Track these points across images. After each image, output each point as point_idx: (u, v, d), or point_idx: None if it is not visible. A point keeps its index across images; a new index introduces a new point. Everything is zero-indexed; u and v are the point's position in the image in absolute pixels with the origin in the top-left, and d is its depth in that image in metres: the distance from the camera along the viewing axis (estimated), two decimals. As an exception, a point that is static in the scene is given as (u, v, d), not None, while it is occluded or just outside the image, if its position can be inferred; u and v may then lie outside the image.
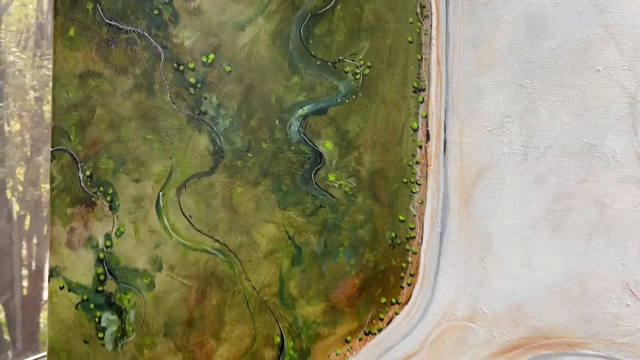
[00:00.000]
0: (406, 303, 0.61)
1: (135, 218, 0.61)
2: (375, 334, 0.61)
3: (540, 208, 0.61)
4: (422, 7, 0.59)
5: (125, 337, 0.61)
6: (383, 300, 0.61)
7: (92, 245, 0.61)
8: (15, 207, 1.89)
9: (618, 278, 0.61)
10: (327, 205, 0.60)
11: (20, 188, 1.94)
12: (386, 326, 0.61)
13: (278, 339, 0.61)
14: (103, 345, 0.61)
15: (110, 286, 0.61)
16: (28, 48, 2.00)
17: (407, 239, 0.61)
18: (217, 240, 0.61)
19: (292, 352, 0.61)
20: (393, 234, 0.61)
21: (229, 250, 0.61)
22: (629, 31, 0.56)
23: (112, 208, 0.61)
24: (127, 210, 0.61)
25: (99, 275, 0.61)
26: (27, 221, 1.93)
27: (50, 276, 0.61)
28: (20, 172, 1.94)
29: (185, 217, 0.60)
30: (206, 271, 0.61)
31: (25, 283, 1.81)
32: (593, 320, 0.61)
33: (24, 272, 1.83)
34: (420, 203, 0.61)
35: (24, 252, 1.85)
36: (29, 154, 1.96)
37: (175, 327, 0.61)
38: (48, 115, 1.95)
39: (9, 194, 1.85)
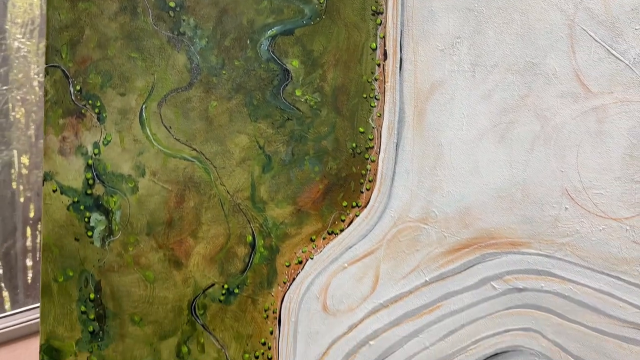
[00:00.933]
0: (365, 206, 0.67)
1: (120, 128, 0.66)
2: (337, 233, 0.67)
3: (487, 120, 0.66)
4: None
5: (111, 236, 0.67)
6: (344, 203, 0.67)
7: (82, 152, 0.67)
8: (20, 191, 1.95)
9: (557, 184, 0.67)
10: (294, 118, 0.66)
11: (25, 172, 2.00)
12: (347, 227, 0.67)
13: (250, 238, 0.67)
14: (92, 242, 0.67)
15: (98, 189, 0.67)
16: (33, 36, 2.04)
17: (367, 148, 0.67)
18: (194, 149, 0.67)
19: (262, 249, 0.67)
20: (354, 144, 0.67)
21: (205, 158, 0.67)
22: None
23: (100, 119, 0.67)
24: (113, 121, 0.66)
25: (88, 179, 0.67)
26: (32, 205, 1.99)
27: (44, 180, 0.67)
28: (25, 158, 1.99)
29: (166, 127, 0.66)
30: (184, 177, 0.67)
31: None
32: (534, 222, 0.67)
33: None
34: (379, 116, 0.66)
35: (29, 243, 1.90)
36: (33, 139, 2.01)
37: (157, 227, 0.67)
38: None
39: (13, 177, 1.92)
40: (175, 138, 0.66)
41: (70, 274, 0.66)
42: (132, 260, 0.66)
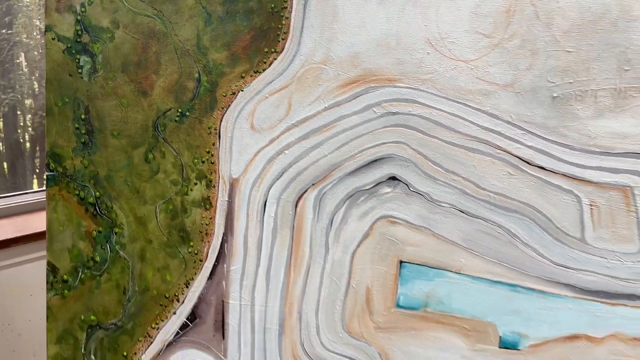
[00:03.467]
0: (281, 52, 0.88)
1: None
2: (261, 72, 0.88)
3: None
4: None
5: (96, 72, 0.89)
6: (266, 49, 0.88)
7: (72, 10, 0.89)
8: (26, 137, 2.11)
9: (422, 35, 0.88)
10: None
11: (29, 116, 2.14)
12: (268, 67, 0.88)
13: (197, 75, 0.89)
14: (81, 77, 0.89)
15: (85, 38, 0.89)
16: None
17: (282, 8, 0.88)
18: (155, 8, 0.90)
19: (206, 83, 0.89)
20: (272, 5, 0.87)
21: (164, 15, 0.89)
22: None
23: None
24: None
25: (77, 30, 0.88)
26: (38, 147, 2.16)
27: (46, 31, 0.89)
28: (29, 103, 2.10)
29: (133, -9, 0.89)
30: (148, 29, 0.89)
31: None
32: (405, 63, 0.88)
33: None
34: None
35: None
36: (36, 87, 2.16)
37: (129, 66, 0.88)
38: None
39: (20, 120, 2.10)
40: (141, 0, 0.88)
41: (67, 100, 0.89)
42: (111, 91, 0.88)
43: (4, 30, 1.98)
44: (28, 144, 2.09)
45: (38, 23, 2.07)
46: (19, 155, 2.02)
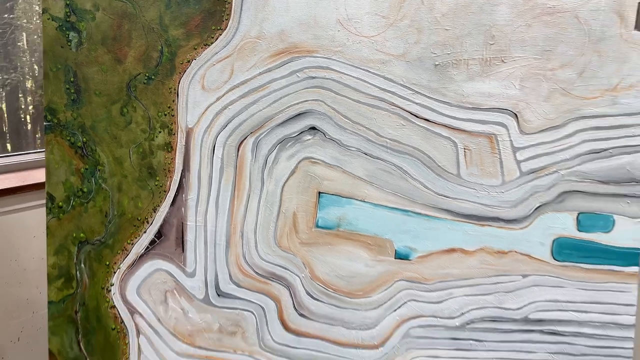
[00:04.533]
0: (225, 29, 1.13)
1: None
2: (209, 45, 1.12)
3: None
4: None
5: (81, 45, 1.14)
6: (213, 27, 1.11)
7: None
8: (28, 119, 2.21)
9: (333, 16, 1.11)
10: None
11: (29, 98, 2.19)
12: (215, 41, 1.12)
13: (160, 47, 1.14)
14: (71, 48, 1.14)
15: (73, 18, 1.14)
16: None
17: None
18: None
19: (167, 54, 1.13)
20: None
21: (135, 1, 1.14)
22: None
23: None
24: None
25: (67, 12, 1.12)
26: (38, 127, 2.21)
27: (42, 12, 1.14)
28: (30, 82, 2.16)
29: (109, -19, 1.13)
30: (121, 11, 1.14)
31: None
32: (321, 38, 1.11)
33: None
34: None
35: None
36: (35, 69, 2.19)
37: (107, 40, 1.13)
38: None
39: (21, 100, 2.17)
40: None
41: (59, 66, 1.13)
42: (93, 59, 1.13)
43: (5, 15, 2.08)
44: (29, 124, 2.31)
45: (37, 8, 2.17)
46: (21, 132, 2.23)
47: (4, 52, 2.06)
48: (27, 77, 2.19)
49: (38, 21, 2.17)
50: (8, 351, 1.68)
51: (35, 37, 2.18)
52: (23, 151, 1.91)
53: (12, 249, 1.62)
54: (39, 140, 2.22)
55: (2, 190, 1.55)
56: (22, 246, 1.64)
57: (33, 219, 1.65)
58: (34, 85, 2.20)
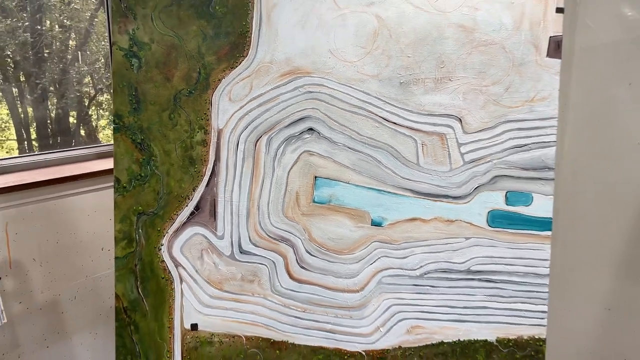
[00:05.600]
0: (246, 56, 1.52)
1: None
2: (235, 68, 1.50)
3: (298, 18, 1.53)
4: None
5: (141, 68, 1.53)
6: (237, 55, 1.51)
7: (128, 33, 1.53)
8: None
9: (326, 47, 1.50)
10: (207, 18, 1.53)
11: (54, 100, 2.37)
12: (238, 65, 1.52)
13: (198, 69, 1.54)
14: (133, 71, 1.55)
15: (135, 48, 1.54)
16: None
17: (246, 31, 1.51)
18: (174, 31, 1.55)
19: (203, 74, 1.52)
20: (241, 30, 1.50)
21: (179, 35, 1.54)
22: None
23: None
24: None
25: (130, 44, 1.52)
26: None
27: (112, 44, 1.53)
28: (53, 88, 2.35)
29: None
30: (170, 43, 1.54)
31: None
32: (316, 63, 1.48)
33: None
34: (250, 20, 1.53)
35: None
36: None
37: (159, 64, 1.51)
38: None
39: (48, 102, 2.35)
40: (165, 26, 1.53)
41: (124, 84, 1.48)
42: (149, 78, 1.52)
43: (38, 27, 2.31)
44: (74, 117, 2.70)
45: (66, 21, 2.37)
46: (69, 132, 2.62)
47: (36, 59, 2.29)
48: (55, 82, 2.44)
49: (61, 32, 2.42)
50: (68, 307, 2.08)
51: (59, 44, 2.40)
52: (69, 147, 2.31)
53: (71, 224, 2.02)
54: (82, 138, 2.62)
55: (61, 178, 1.95)
56: (79, 223, 2.04)
57: (86, 201, 2.05)
58: (59, 87, 2.45)
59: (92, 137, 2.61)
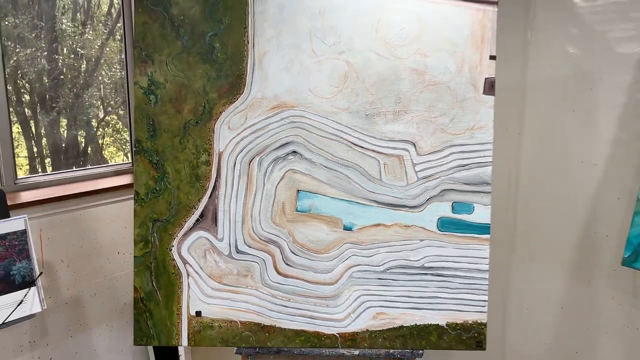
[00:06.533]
0: (242, 93, 1.86)
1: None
2: (233, 102, 1.87)
3: (283, 67, 1.89)
4: None
5: (157, 103, 1.89)
6: (235, 92, 1.78)
7: (147, 74, 1.89)
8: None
9: (306, 86, 1.84)
10: (211, 62, 1.90)
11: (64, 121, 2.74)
12: (236, 100, 1.85)
13: (203, 104, 1.90)
14: (151, 105, 1.91)
15: (152, 87, 1.91)
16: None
17: (242, 74, 1.89)
18: (184, 73, 1.91)
19: (207, 107, 1.88)
20: (238, 73, 1.88)
21: (187, 76, 1.91)
22: None
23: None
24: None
25: (149, 83, 1.89)
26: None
27: (134, 84, 1.90)
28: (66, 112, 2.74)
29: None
30: (181, 82, 1.90)
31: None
32: (299, 99, 1.81)
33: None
34: (245, 64, 1.90)
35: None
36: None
37: (172, 100, 1.88)
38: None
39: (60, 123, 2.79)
40: (177, 69, 1.90)
41: (143, 115, 1.86)
42: (164, 111, 1.88)
43: (55, 55, 2.45)
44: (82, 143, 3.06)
45: (80, 50, 2.59)
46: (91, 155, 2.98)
47: (53, 84, 2.42)
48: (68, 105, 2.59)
49: (75, 59, 2.74)
50: (89, 302, 2.42)
51: (74, 72, 2.65)
52: (90, 166, 2.66)
53: (93, 232, 2.36)
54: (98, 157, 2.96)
55: (86, 192, 2.31)
56: (99, 230, 2.39)
57: (105, 212, 2.39)
58: (69, 112, 2.70)
59: (97, 155, 2.96)
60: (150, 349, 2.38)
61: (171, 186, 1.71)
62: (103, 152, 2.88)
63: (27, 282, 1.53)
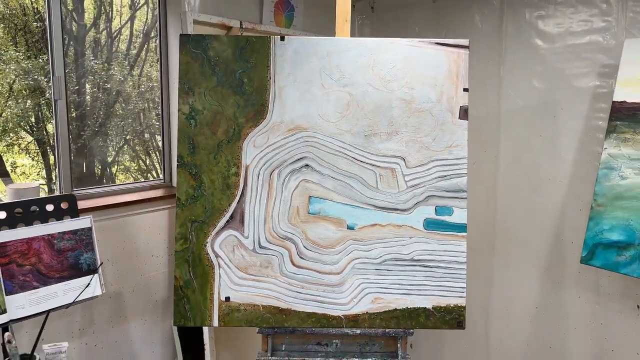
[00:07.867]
0: (265, 118, 2.27)
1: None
2: (257, 125, 2.29)
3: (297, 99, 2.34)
4: None
5: (196, 126, 2.32)
6: (259, 117, 2.24)
7: (188, 103, 2.31)
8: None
9: (316, 112, 2.25)
10: (241, 94, 2.34)
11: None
12: (260, 124, 2.24)
13: (233, 127, 2.33)
14: (191, 127, 2.34)
15: (192, 113, 2.34)
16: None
17: (265, 102, 2.33)
18: (218, 103, 2.35)
19: (237, 130, 2.31)
20: (262, 102, 2.32)
21: (221, 105, 2.34)
22: None
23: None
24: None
25: (190, 110, 2.32)
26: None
27: (178, 110, 2.33)
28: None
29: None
30: (215, 110, 2.34)
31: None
32: (310, 123, 2.26)
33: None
34: (267, 100, 2.34)
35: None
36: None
37: (208, 123, 2.31)
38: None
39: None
40: (212, 99, 2.34)
41: (185, 136, 2.30)
42: (201, 133, 2.31)
43: (83, 89, 2.74)
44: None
45: (107, 85, 2.84)
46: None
47: (79, 108, 3.12)
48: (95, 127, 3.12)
49: (99, 91, 3.26)
50: (128, 297, 2.79)
51: (94, 101, 3.20)
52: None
53: (132, 237, 2.76)
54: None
55: (128, 202, 2.72)
56: (137, 235, 2.79)
57: (143, 220, 2.79)
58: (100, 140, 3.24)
59: (111, 179, 3.35)
60: (177, 340, 2.76)
61: (206, 193, 2.12)
62: (117, 176, 3.26)
63: (91, 270, 1.92)
